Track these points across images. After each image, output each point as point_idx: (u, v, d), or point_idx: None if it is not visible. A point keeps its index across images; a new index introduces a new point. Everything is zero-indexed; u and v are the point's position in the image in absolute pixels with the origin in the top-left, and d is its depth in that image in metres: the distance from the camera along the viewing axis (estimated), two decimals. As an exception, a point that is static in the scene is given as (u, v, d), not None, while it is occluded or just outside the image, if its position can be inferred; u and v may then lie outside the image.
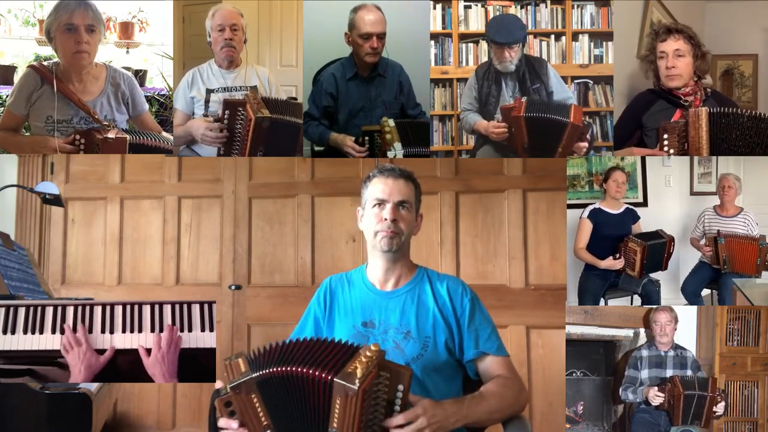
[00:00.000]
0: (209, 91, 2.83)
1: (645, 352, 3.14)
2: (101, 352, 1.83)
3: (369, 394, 1.41)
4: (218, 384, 1.50)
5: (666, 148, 2.57)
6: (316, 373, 1.42)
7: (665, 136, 2.57)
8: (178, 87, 2.89)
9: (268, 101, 2.65)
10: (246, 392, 1.45)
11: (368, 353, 1.43)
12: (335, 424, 1.41)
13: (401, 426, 1.45)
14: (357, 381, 1.37)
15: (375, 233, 1.77)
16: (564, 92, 2.96)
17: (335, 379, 1.39)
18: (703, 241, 3.57)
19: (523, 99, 2.72)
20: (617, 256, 3.34)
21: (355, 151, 2.79)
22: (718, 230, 3.46)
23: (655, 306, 3.26)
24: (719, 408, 2.94)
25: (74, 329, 1.84)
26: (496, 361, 1.75)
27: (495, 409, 1.64)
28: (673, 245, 3.41)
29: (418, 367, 1.72)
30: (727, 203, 3.57)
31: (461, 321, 1.77)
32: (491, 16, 3.39)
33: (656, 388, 2.98)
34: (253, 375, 1.45)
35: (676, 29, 2.71)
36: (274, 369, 1.45)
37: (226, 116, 2.60)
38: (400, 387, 1.45)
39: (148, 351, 1.83)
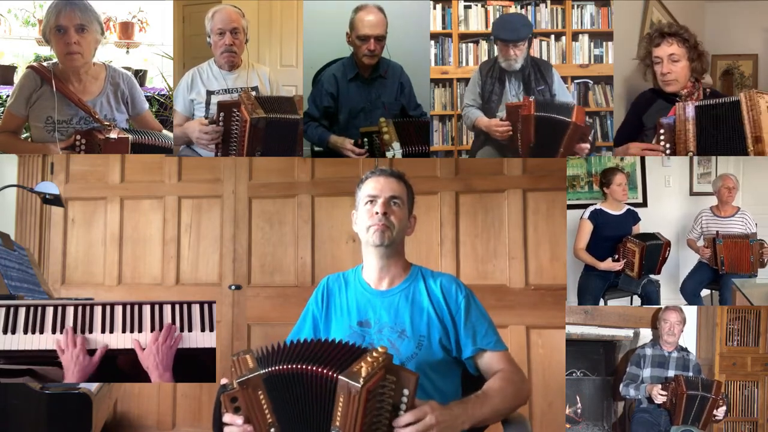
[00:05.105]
0: (209, 93, 2.82)
1: (649, 351, 3.13)
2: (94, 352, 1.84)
3: (373, 395, 1.40)
4: (224, 380, 1.50)
5: (662, 143, 2.57)
6: (322, 371, 1.42)
7: (662, 130, 2.57)
8: (177, 88, 2.88)
9: (262, 100, 2.63)
10: (253, 388, 1.44)
11: (374, 354, 1.43)
12: (338, 423, 1.40)
13: (409, 425, 1.44)
14: (361, 380, 1.37)
15: (367, 228, 1.78)
16: (566, 96, 2.96)
17: (340, 377, 1.39)
18: (700, 243, 3.56)
19: (531, 98, 2.71)
20: (616, 257, 3.34)
21: (355, 153, 2.79)
22: (717, 231, 3.46)
23: (665, 305, 3.24)
24: (720, 412, 2.93)
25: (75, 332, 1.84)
26: (495, 356, 1.76)
27: (499, 405, 1.65)
28: (669, 250, 3.40)
29: (413, 366, 1.72)
30: (728, 204, 3.56)
31: (456, 319, 1.78)
32: (491, 16, 3.39)
33: (659, 386, 2.98)
34: (261, 371, 1.44)
35: (670, 32, 2.66)
36: (282, 366, 1.45)
37: (221, 118, 2.59)
38: (406, 391, 1.45)
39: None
